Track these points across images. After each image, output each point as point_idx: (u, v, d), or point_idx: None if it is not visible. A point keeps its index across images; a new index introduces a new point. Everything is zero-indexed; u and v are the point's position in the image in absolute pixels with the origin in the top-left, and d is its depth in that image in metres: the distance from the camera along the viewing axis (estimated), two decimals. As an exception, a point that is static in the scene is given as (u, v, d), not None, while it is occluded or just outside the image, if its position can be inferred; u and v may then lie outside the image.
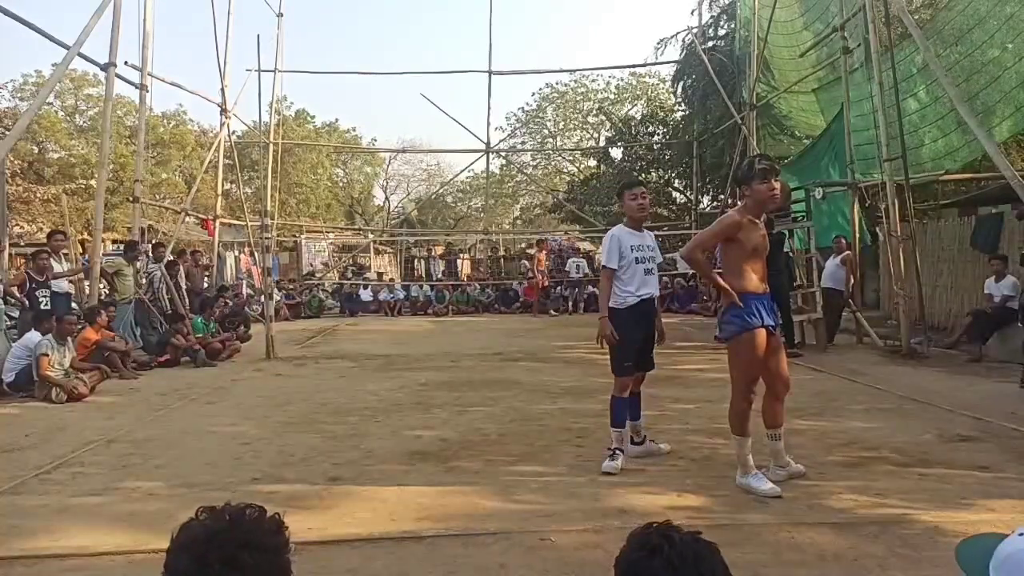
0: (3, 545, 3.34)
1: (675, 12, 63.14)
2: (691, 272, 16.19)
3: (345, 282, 20.32)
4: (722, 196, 17.84)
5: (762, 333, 3.95)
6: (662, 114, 25.83)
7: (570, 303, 17.56)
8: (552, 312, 16.93)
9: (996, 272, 8.99)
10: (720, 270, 4.15)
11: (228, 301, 12.60)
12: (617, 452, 4.42)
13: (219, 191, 19.47)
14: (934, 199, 13.79)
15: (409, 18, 61.47)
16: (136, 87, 11.69)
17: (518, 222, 38.90)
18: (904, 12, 9.50)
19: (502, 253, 23.65)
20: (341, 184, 40.50)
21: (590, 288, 17.39)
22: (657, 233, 23.17)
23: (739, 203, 4.25)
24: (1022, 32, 9.53)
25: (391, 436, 5.40)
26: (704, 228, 4.74)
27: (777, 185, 4.03)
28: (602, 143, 29.42)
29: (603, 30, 59.74)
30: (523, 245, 26.30)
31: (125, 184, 24.44)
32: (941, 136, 11.08)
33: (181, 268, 11.86)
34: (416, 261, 24.36)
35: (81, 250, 14.55)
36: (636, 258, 4.48)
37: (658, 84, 30.78)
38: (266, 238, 11.83)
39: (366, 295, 18.95)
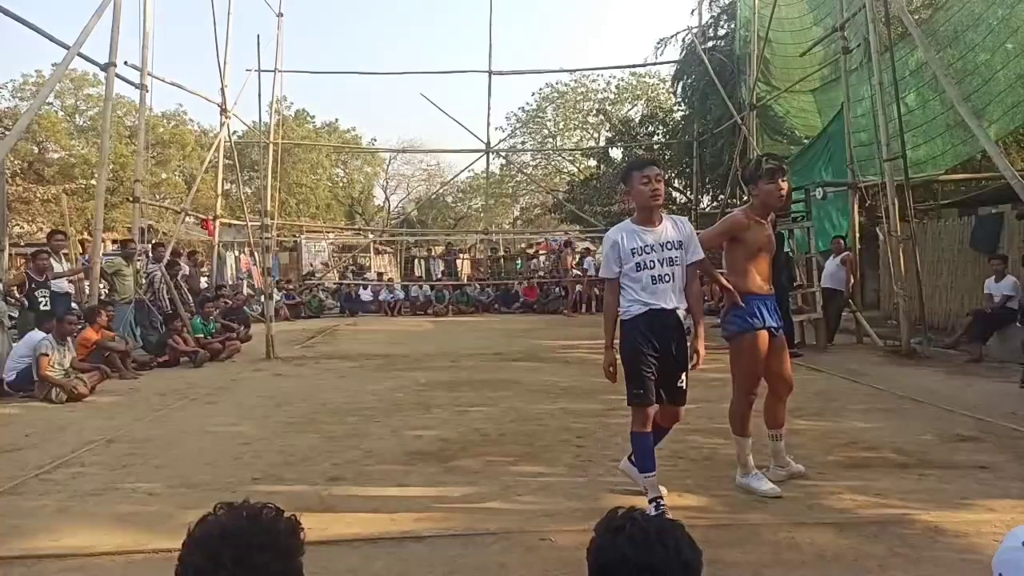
0: (3, 545, 3.34)
1: (675, 12, 63.30)
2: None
3: (345, 282, 20.32)
4: (722, 196, 17.86)
5: (764, 334, 3.94)
6: (662, 114, 25.83)
7: (583, 304, 17.77)
8: (565, 312, 17.04)
9: (996, 272, 8.99)
10: (724, 270, 4.14)
11: (228, 300, 12.61)
12: (660, 504, 3.58)
13: (219, 191, 19.49)
14: (934, 199, 13.79)
15: (409, 18, 61.49)
16: (136, 87, 11.68)
17: (518, 222, 38.88)
18: (904, 12, 9.51)
19: (502, 253, 23.65)
20: (341, 184, 40.50)
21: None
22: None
23: (738, 202, 4.24)
24: (1016, 31, 9.54)
25: (391, 436, 5.40)
26: (705, 228, 4.65)
27: (784, 185, 4.01)
28: (602, 143, 29.42)
29: (603, 30, 59.81)
30: (523, 245, 26.31)
31: (125, 184, 24.42)
32: (924, 142, 11.10)
33: (183, 267, 11.87)
34: (416, 261, 24.37)
35: (81, 250, 14.54)
36: (637, 264, 3.57)
37: (658, 84, 30.79)
38: (266, 238, 11.83)
39: (366, 295, 18.98)
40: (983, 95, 9.98)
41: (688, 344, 3.69)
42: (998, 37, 9.87)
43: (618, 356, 3.67)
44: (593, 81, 32.91)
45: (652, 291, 3.57)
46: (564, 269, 18.29)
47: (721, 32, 20.94)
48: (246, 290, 16.46)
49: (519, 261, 23.11)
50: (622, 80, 32.26)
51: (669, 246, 3.59)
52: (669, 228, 3.66)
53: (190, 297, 11.36)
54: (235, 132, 20.27)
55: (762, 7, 14.71)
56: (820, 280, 10.31)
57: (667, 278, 3.57)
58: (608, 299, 3.72)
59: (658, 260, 3.57)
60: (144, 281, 10.64)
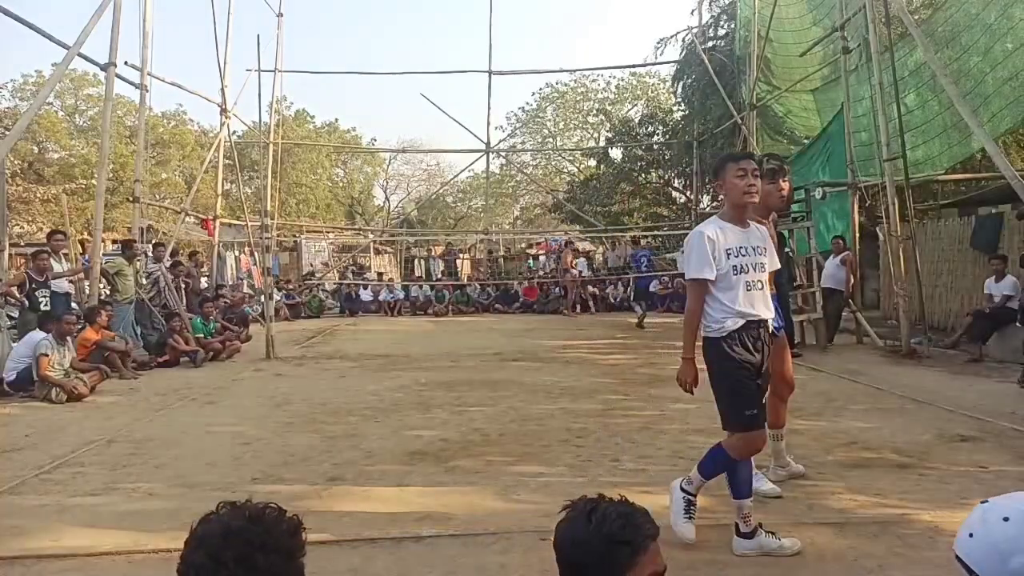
0: (3, 545, 3.34)
1: (675, 12, 63.26)
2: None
3: (345, 282, 20.33)
4: (721, 196, 17.91)
5: (765, 334, 3.92)
6: (662, 114, 25.84)
7: (578, 305, 17.81)
8: (565, 312, 17.06)
9: (996, 272, 8.99)
10: None
11: (227, 300, 12.61)
12: (758, 529, 3.15)
13: (219, 191, 19.49)
14: (934, 199, 13.79)
15: (409, 18, 61.53)
16: (136, 87, 11.69)
17: (518, 222, 38.90)
18: (904, 12, 9.51)
19: (502, 253, 23.67)
20: (341, 184, 40.53)
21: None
22: (656, 233, 23.51)
23: None
24: (1009, 32, 9.54)
25: (391, 436, 5.40)
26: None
27: (785, 185, 4.02)
28: (602, 143, 29.43)
29: (603, 30, 59.87)
30: (523, 245, 26.32)
31: (125, 184, 24.45)
32: (922, 142, 11.09)
33: (183, 267, 11.86)
34: (416, 261, 24.37)
35: (81, 250, 14.55)
36: (735, 267, 3.11)
37: (658, 84, 30.83)
38: (266, 238, 11.83)
39: (366, 295, 18.98)
40: (975, 97, 10.01)
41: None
42: (993, 39, 9.89)
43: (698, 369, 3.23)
44: (593, 81, 32.99)
45: (749, 299, 3.13)
46: (564, 269, 18.31)
47: (721, 32, 20.94)
48: (246, 289, 16.46)
49: (530, 260, 23.11)
50: (622, 80, 32.34)
51: (759, 251, 3.20)
52: (756, 231, 3.26)
53: (184, 298, 11.33)
54: (235, 132, 20.27)
55: (762, 7, 14.71)
56: (820, 280, 10.30)
57: (759, 285, 3.17)
58: (693, 304, 3.16)
59: (751, 265, 3.15)
60: (144, 281, 10.63)
